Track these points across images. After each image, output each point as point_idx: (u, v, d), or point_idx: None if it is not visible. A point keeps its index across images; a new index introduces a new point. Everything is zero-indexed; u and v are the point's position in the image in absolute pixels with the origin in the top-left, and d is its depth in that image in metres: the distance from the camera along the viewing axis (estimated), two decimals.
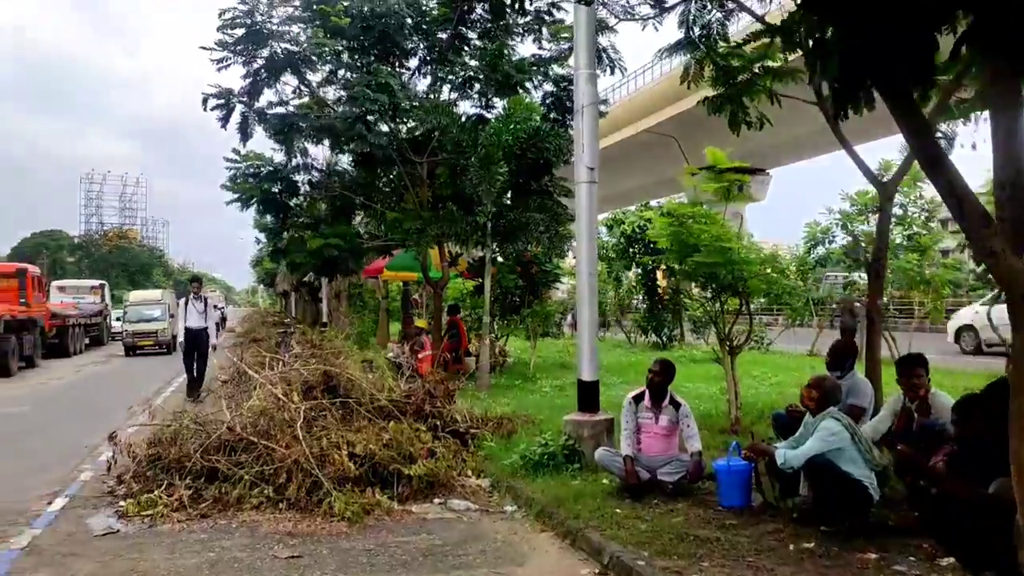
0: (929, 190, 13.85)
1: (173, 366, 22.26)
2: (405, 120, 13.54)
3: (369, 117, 12.31)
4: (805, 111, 7.78)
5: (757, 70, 7.71)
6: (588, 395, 7.79)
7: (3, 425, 12.68)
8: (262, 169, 13.55)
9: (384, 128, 13.07)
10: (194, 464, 7.05)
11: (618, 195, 44.45)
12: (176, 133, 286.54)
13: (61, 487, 7.94)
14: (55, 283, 41.57)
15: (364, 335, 24.75)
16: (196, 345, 14.15)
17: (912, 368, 6.07)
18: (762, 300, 11.38)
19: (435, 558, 5.49)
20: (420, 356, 14.54)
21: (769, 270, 8.99)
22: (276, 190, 13.89)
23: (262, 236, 49.16)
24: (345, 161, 15.14)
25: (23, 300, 23.64)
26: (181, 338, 14.30)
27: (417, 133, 14.11)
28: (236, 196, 13.68)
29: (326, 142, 13.57)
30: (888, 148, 70.14)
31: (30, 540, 6.01)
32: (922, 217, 15.18)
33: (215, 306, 53.64)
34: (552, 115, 13.76)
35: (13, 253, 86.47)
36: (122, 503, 6.87)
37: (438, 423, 8.31)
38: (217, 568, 5.31)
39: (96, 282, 41.73)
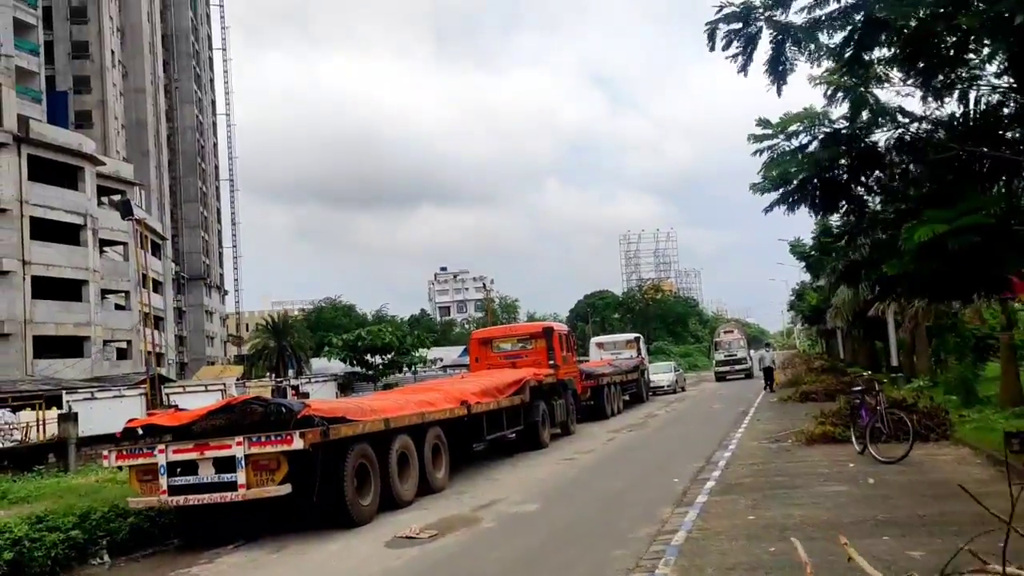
0: None
1: (717, 433, 17.92)
2: None
3: None
4: None
5: None
6: None
7: (503, 540, 9.25)
8: (815, 133, 7.97)
9: None
10: None
11: None
12: (689, 184, 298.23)
13: None
14: (593, 339, 41.62)
15: (965, 384, 17.19)
16: None
17: None
18: None
19: None
20: None
21: None
22: (841, 164, 8.13)
23: (800, 270, 42.64)
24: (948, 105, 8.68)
25: (552, 362, 21.74)
26: None
27: None
28: (776, 196, 8.27)
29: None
30: None
31: None
32: None
33: (744, 354, 45.69)
34: None
35: (570, 314, 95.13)
36: None
37: None
38: None
39: (631, 335, 40.55)
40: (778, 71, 7.81)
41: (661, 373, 38.95)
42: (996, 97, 8.97)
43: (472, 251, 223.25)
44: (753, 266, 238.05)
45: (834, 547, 6.96)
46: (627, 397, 30.82)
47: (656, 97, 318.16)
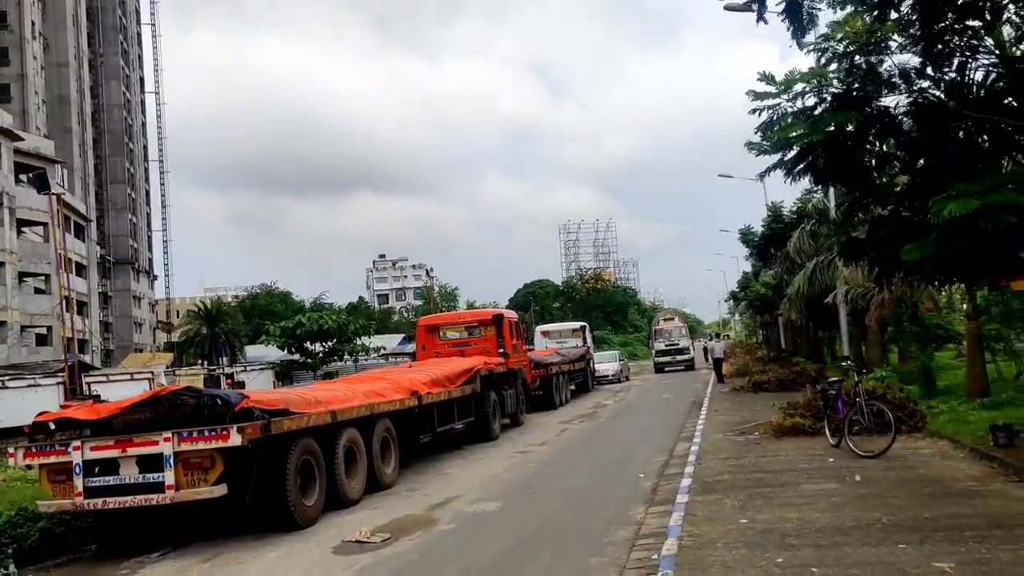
0: None
1: (672, 424, 17.33)
2: None
3: None
4: None
5: None
6: None
7: (465, 544, 8.39)
8: (823, 95, 7.26)
9: None
10: None
11: None
12: (628, 176, 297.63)
13: None
14: (539, 327, 40.92)
15: (927, 375, 16.87)
16: None
17: None
18: None
19: None
20: None
21: None
22: (849, 129, 7.45)
23: (745, 257, 42.24)
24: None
25: (502, 350, 20.88)
26: None
27: None
28: (775, 159, 7.61)
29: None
30: None
31: None
32: None
33: (677, 345, 42.40)
34: None
35: (510, 304, 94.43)
36: None
37: None
38: None
39: (577, 324, 40.01)
40: (798, 18, 7.04)
41: (606, 363, 38.43)
42: (994, 72, 8.45)
43: (411, 239, 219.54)
44: (688, 258, 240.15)
45: (847, 556, 6.31)
46: (574, 387, 30.24)
47: (596, 90, 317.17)
